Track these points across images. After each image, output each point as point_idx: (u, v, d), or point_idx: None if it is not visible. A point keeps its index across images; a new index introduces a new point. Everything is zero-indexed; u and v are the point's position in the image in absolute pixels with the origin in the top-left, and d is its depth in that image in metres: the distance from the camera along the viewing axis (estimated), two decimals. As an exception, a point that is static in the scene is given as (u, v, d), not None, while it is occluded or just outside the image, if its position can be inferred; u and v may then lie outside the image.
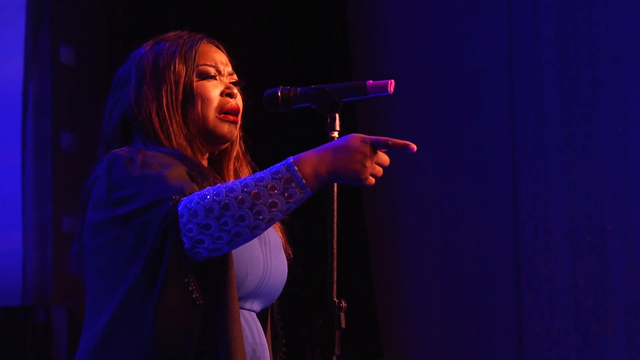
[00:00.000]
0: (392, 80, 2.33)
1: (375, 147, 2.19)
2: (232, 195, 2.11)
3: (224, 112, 2.43)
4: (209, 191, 2.13)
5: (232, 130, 2.45)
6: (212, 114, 2.42)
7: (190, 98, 2.40)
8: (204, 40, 2.48)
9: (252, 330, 2.36)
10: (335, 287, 2.25)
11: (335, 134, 2.31)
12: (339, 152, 2.18)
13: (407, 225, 5.51)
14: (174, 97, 2.39)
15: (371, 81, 2.34)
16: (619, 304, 5.14)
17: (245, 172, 2.54)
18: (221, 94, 2.44)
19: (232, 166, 2.52)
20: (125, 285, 2.20)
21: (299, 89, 2.39)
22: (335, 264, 2.26)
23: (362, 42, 5.63)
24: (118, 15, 5.13)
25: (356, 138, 2.19)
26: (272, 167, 2.16)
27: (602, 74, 5.24)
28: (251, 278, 2.33)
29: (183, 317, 2.13)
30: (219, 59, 2.47)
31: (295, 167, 2.14)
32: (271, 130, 4.78)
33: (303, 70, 5.28)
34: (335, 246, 2.27)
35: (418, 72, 5.53)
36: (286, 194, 2.14)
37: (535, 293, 5.24)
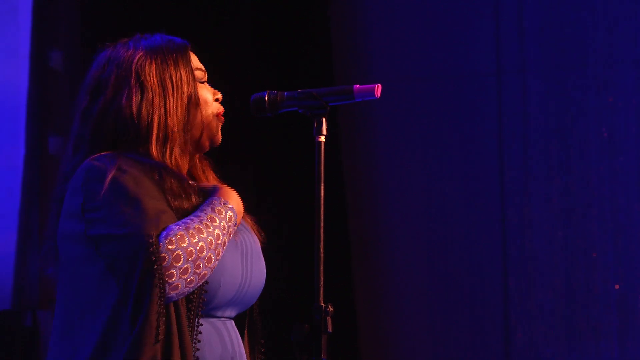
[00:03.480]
0: (379, 85, 2.33)
1: None
2: (202, 236, 2.19)
3: (217, 116, 2.46)
4: (183, 230, 2.17)
5: (220, 136, 2.48)
6: (212, 117, 2.44)
7: (195, 104, 2.41)
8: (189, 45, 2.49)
9: (230, 339, 2.36)
10: (322, 292, 2.25)
11: (322, 138, 2.32)
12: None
13: (393, 229, 5.50)
14: (179, 105, 2.39)
15: (358, 85, 2.34)
16: (608, 307, 5.15)
17: (209, 170, 2.54)
18: (215, 99, 2.47)
19: (199, 164, 2.53)
20: (103, 317, 2.20)
21: (285, 93, 2.40)
22: (322, 268, 2.26)
23: (348, 46, 5.62)
24: (107, 20, 5.12)
25: None
26: (209, 204, 2.28)
27: (589, 78, 5.25)
28: (225, 288, 2.32)
29: (151, 356, 2.14)
30: (201, 64, 2.50)
31: (236, 210, 2.30)
32: (257, 133, 4.78)
33: (286, 75, 5.29)
34: (322, 250, 2.27)
35: (405, 76, 5.53)
36: (230, 232, 2.27)
37: (523, 297, 5.24)
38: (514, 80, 5.35)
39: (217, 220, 2.23)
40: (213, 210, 2.24)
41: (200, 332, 2.26)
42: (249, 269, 2.39)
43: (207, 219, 2.21)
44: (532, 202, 5.29)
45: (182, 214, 2.25)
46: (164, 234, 2.15)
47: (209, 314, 2.32)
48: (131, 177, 2.23)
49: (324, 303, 2.24)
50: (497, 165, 5.35)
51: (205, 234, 2.18)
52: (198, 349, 2.26)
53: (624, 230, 5.16)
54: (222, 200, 2.28)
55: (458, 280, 5.37)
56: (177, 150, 2.37)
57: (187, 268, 2.14)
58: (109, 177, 2.22)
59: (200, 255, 2.16)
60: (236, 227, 2.31)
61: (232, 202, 2.30)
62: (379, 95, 2.32)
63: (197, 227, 2.18)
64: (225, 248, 2.24)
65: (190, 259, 2.14)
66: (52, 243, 2.35)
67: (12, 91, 4.98)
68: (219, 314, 2.35)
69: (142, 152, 2.33)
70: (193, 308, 2.25)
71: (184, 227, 2.17)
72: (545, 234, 5.25)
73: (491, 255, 5.32)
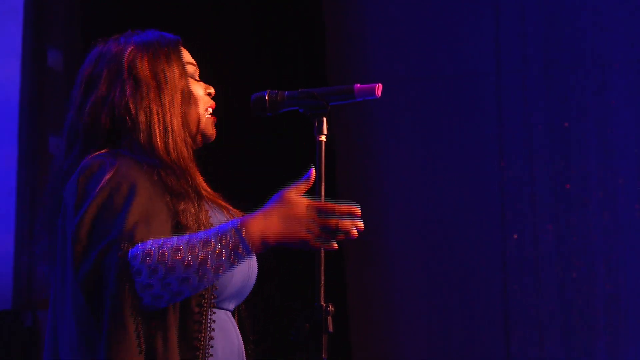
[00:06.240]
0: (380, 84, 2.32)
1: (321, 213, 2.18)
2: (178, 257, 2.11)
3: (209, 111, 2.46)
4: (154, 249, 2.12)
5: (214, 132, 2.47)
6: (202, 112, 2.44)
7: (187, 99, 2.40)
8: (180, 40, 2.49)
9: (236, 331, 2.37)
10: (322, 291, 2.24)
11: (323, 138, 2.31)
12: (287, 220, 2.17)
13: (391, 229, 5.49)
14: (174, 100, 2.38)
15: (359, 85, 2.34)
16: (608, 308, 5.15)
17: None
18: (207, 94, 2.47)
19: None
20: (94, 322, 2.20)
21: (286, 92, 2.39)
22: (322, 267, 2.26)
23: (346, 46, 5.62)
24: (105, 19, 5.13)
25: (302, 204, 2.17)
26: (218, 227, 2.15)
27: (588, 78, 5.25)
28: (236, 279, 2.33)
29: None
30: (192, 59, 2.49)
31: (243, 234, 2.14)
32: (257, 133, 4.78)
33: (283, 75, 5.29)
34: (322, 250, 2.27)
35: (404, 76, 5.53)
36: (232, 258, 2.14)
37: (522, 297, 5.24)
38: (514, 80, 5.35)
39: (213, 244, 2.13)
40: (217, 235, 2.14)
41: (214, 321, 2.26)
42: (251, 263, 2.40)
43: (199, 243, 2.13)
44: (532, 202, 5.28)
45: (186, 214, 2.24)
46: (135, 247, 2.12)
47: (219, 305, 2.32)
48: (127, 181, 2.21)
49: (324, 302, 2.23)
50: (497, 164, 5.35)
51: (182, 255, 2.11)
52: (212, 338, 2.25)
53: (622, 231, 5.16)
54: (237, 227, 2.16)
55: (457, 280, 5.37)
56: (180, 144, 2.35)
57: (150, 284, 2.11)
58: (105, 179, 2.21)
59: (170, 274, 2.11)
60: (249, 255, 2.18)
61: (249, 229, 2.16)
62: (379, 94, 2.32)
63: (174, 247, 2.12)
64: (225, 271, 2.15)
65: (155, 276, 2.10)
66: (46, 239, 2.35)
67: (12, 91, 4.98)
68: (226, 306, 2.35)
69: (141, 149, 2.32)
70: (205, 304, 2.24)
71: (155, 245, 2.12)
72: (545, 234, 5.25)
73: (491, 255, 5.32)
